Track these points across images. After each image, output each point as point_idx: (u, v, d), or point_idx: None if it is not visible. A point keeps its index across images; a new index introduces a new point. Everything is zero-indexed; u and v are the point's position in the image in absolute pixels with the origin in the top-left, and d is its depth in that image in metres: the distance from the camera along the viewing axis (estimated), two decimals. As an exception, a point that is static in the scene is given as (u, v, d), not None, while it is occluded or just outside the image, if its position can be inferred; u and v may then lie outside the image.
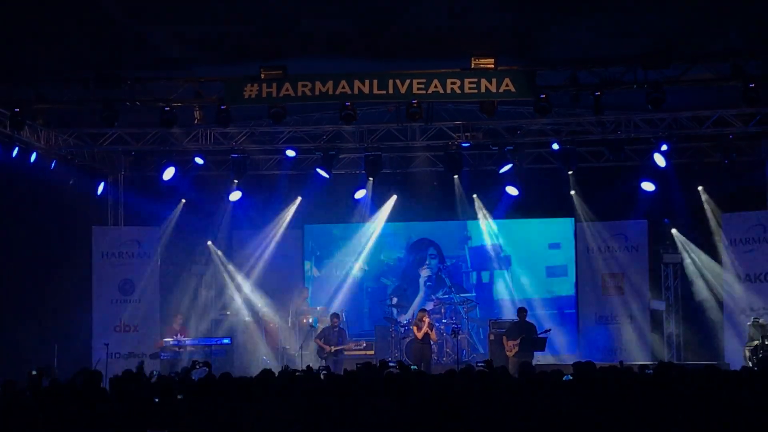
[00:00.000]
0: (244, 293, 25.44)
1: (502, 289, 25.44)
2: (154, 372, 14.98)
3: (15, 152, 20.90)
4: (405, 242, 26.30)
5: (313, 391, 10.20)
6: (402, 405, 9.17)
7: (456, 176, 24.10)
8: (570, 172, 23.66)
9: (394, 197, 25.41)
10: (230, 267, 25.63)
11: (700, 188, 23.90)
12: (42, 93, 19.64)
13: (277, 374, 12.38)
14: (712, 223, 23.75)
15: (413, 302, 25.37)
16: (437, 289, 25.68)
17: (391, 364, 15.29)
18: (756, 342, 20.88)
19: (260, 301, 25.18)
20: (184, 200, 25.01)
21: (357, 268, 25.94)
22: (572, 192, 24.44)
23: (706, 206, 23.84)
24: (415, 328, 21.96)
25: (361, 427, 8.62)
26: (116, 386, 10.74)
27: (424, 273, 26.03)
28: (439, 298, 25.15)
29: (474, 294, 25.36)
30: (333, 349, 22.16)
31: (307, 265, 26.23)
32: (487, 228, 25.57)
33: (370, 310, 25.86)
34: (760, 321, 21.51)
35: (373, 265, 26.13)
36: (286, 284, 25.62)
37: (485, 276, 25.64)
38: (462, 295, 24.90)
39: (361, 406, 8.92)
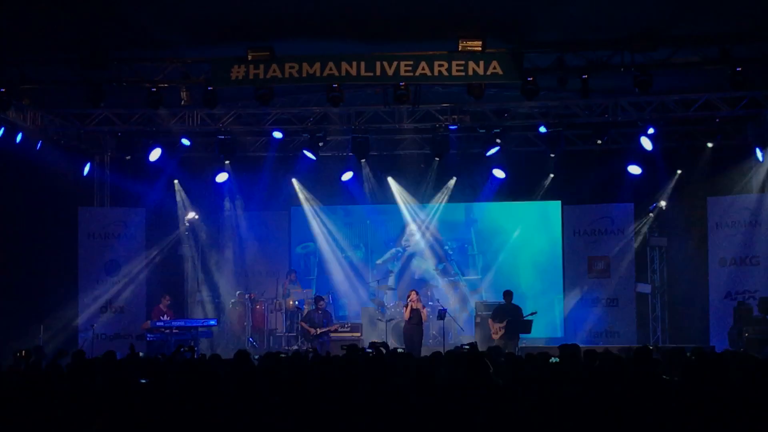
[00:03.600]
0: (228, 275, 25.43)
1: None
2: (140, 353, 15.01)
3: (1, 133, 20.85)
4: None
5: (297, 375, 10.20)
6: (383, 388, 9.18)
7: (437, 158, 24.10)
8: (552, 156, 23.65)
9: (390, 179, 25.41)
10: (214, 248, 25.62)
11: (678, 171, 23.94)
12: (28, 73, 19.52)
13: (262, 356, 12.43)
14: (698, 206, 23.78)
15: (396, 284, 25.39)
16: (431, 267, 25.69)
17: (367, 350, 15.28)
18: (741, 325, 20.94)
19: (246, 283, 25.17)
20: (176, 181, 24.99)
21: (359, 251, 25.88)
22: (551, 176, 24.48)
23: (690, 190, 23.90)
24: (405, 309, 21.97)
25: (342, 410, 8.63)
26: (102, 367, 10.74)
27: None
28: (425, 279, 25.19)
29: (480, 276, 25.33)
30: (318, 331, 22.17)
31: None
32: (478, 211, 25.59)
33: (367, 293, 25.76)
34: (746, 304, 21.57)
35: (376, 249, 26.05)
36: (273, 266, 25.60)
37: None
38: (466, 277, 24.92)
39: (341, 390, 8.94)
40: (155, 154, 23.13)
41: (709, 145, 22.82)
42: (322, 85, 19.51)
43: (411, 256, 25.88)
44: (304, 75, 18.74)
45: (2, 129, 20.85)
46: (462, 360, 10.45)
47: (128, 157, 24.23)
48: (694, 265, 23.88)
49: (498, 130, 22.78)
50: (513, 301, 21.85)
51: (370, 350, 14.84)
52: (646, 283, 24.45)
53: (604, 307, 24.41)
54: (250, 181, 25.11)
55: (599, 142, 22.78)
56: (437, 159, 24.06)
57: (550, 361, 11.56)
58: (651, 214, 24.35)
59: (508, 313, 21.58)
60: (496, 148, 23.08)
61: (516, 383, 9.85)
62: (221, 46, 18.73)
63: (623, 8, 17.38)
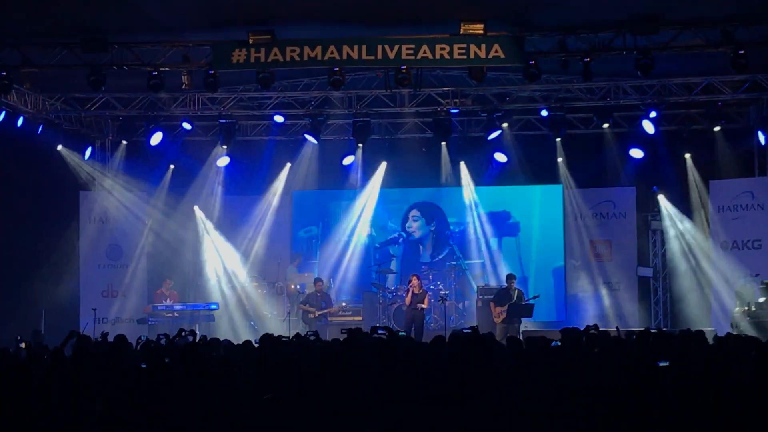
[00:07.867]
0: (230, 258, 25.37)
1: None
2: (141, 337, 15.01)
3: (2, 116, 20.83)
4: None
5: (299, 358, 10.20)
6: (387, 371, 9.17)
7: (443, 143, 24.04)
8: (558, 139, 23.66)
9: (384, 163, 25.26)
10: (216, 233, 25.51)
11: (687, 155, 23.88)
12: (29, 57, 19.50)
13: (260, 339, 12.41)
14: (700, 190, 23.73)
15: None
16: (436, 253, 25.64)
17: (380, 331, 15.23)
18: (743, 308, 20.93)
19: (247, 267, 25.10)
20: (172, 166, 24.90)
21: (361, 235, 25.72)
22: (559, 159, 24.43)
23: (692, 173, 23.84)
24: (406, 294, 21.91)
25: (346, 393, 8.62)
26: (105, 351, 10.73)
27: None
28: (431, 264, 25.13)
29: (482, 260, 25.29)
30: (318, 313, 22.17)
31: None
32: (480, 195, 25.49)
33: (368, 277, 25.64)
34: (747, 287, 21.57)
35: (380, 232, 25.92)
36: (275, 250, 25.54)
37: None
38: (469, 261, 24.90)
39: (346, 373, 8.92)
40: (156, 138, 23.10)
41: (717, 129, 22.74)
42: (323, 68, 19.48)
43: (413, 241, 25.81)
44: (306, 58, 18.70)
45: (3, 113, 20.84)
46: (464, 342, 10.44)
47: (124, 142, 24.31)
48: (696, 249, 23.86)
49: (500, 114, 22.73)
50: (515, 285, 21.86)
51: (381, 331, 14.69)
52: (648, 267, 24.43)
53: (605, 290, 24.39)
54: (251, 165, 25.04)
55: (606, 126, 22.74)
56: (443, 143, 24.03)
57: (552, 344, 11.53)
58: (660, 195, 24.27)
59: (510, 297, 21.58)
60: (498, 132, 23.03)
61: (518, 367, 9.85)
62: (222, 29, 18.67)
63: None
